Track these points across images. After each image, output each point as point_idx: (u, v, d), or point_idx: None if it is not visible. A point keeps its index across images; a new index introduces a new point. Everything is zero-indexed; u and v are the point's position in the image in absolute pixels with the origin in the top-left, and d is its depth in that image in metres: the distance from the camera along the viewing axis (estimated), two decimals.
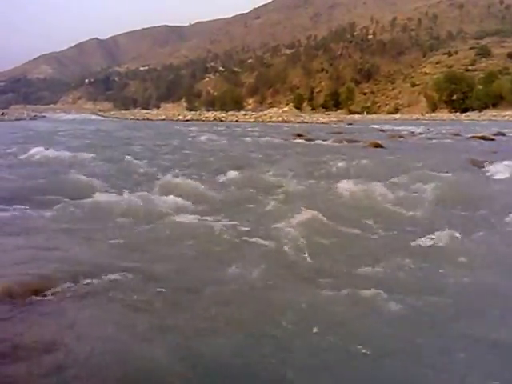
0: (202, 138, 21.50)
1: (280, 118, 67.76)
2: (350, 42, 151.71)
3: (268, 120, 65.09)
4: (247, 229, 5.24)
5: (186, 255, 4.49)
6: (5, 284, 3.47)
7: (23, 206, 6.10)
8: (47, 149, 12.53)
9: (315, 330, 2.96)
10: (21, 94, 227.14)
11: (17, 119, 49.99)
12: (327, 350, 2.78)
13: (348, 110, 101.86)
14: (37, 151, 12.06)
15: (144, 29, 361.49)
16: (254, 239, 4.86)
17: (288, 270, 4.10)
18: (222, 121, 64.43)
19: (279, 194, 7.35)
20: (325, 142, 20.35)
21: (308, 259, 4.34)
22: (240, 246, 4.71)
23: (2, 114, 56.66)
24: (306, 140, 22.14)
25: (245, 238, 4.93)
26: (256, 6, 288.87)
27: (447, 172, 9.34)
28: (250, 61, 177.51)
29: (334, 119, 66.33)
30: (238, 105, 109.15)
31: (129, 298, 3.39)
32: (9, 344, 2.71)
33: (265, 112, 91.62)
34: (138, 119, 72.67)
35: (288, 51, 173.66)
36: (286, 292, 3.59)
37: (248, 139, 22.24)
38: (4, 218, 5.56)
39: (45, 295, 3.40)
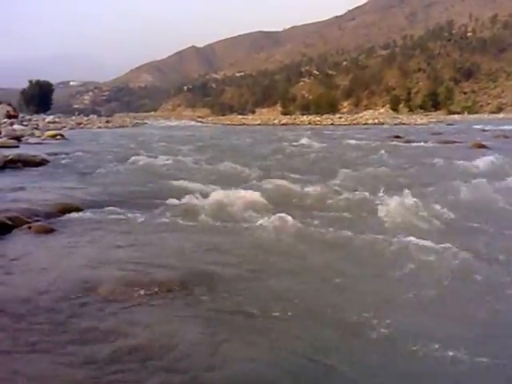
0: (300, 142, 21.82)
1: (376, 120, 66.66)
2: (449, 40, 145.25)
3: (364, 122, 64.31)
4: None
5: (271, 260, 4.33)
6: (110, 285, 3.57)
7: (129, 209, 6.26)
8: (150, 154, 13.07)
9: None
10: (124, 102, 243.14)
11: (120, 126, 52.28)
12: None
13: (447, 111, 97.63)
14: (141, 157, 12.55)
15: (239, 35, 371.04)
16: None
17: None
18: (317, 124, 64.71)
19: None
20: (424, 144, 19.92)
21: None
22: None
23: (107, 121, 60.88)
24: (405, 142, 21.86)
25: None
26: (350, 8, 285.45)
27: None
28: (344, 63, 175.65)
29: (433, 120, 64.06)
30: (332, 108, 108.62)
31: (241, 308, 3.30)
32: (116, 345, 2.72)
33: (360, 114, 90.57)
34: (234, 124, 75.16)
35: (383, 52, 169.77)
36: None
37: (345, 142, 22.45)
38: (110, 220, 5.74)
39: (150, 297, 3.41)
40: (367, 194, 6.93)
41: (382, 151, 14.23)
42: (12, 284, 3.68)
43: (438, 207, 5.99)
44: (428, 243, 4.49)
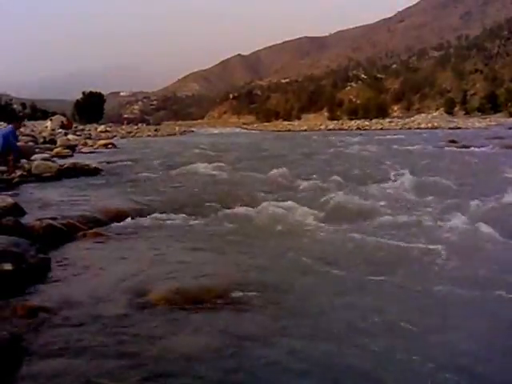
0: (349, 147, 21.68)
1: (429, 124, 65.25)
2: (508, 39, 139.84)
3: (416, 127, 63.03)
4: None
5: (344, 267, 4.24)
6: (163, 292, 3.60)
7: (179, 216, 6.34)
8: (198, 162, 13.15)
9: None
10: (171, 110, 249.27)
11: (168, 134, 53.85)
12: None
13: (508, 113, 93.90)
14: (189, 165, 12.70)
15: (285, 42, 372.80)
16: None
17: None
18: (365, 129, 63.90)
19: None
20: (483, 149, 19.16)
21: None
22: None
23: (156, 130, 62.52)
24: (461, 147, 20.99)
25: None
26: (400, 10, 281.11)
27: None
28: (394, 66, 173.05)
29: (492, 123, 61.66)
30: (382, 112, 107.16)
31: (291, 316, 3.31)
32: (171, 354, 2.75)
33: (412, 118, 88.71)
34: (280, 131, 75.34)
35: (436, 53, 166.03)
36: None
37: (396, 147, 22.01)
38: (161, 227, 5.84)
39: (200, 304, 3.44)
40: (423, 209, 6.65)
41: (437, 157, 13.83)
42: (69, 289, 3.77)
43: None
44: None
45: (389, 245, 4.90)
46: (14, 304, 3.32)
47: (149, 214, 6.45)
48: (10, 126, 11.57)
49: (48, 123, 38.16)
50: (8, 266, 3.65)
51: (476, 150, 19.22)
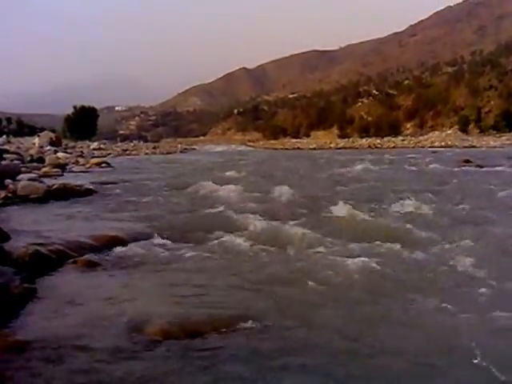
0: (359, 167, 21.74)
1: (443, 143, 65.59)
2: None
3: (429, 145, 63.37)
4: None
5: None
6: (163, 324, 3.60)
7: (177, 242, 6.38)
8: (198, 182, 13.12)
9: None
10: (171, 126, 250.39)
11: (168, 152, 54.10)
12: None
13: None
14: (189, 186, 12.79)
15: (292, 55, 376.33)
16: None
17: None
18: (377, 147, 64.29)
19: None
20: (499, 169, 19.34)
21: None
22: None
23: (154, 147, 62.87)
24: (477, 166, 21.31)
25: None
26: (412, 23, 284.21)
27: None
28: (406, 82, 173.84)
29: (508, 142, 61.96)
30: (394, 130, 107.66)
31: (297, 348, 3.32)
32: None
33: (425, 136, 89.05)
34: (287, 149, 75.79)
35: (449, 69, 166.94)
36: None
37: (410, 167, 22.11)
38: (157, 254, 5.84)
39: (199, 337, 3.45)
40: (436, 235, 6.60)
41: (451, 178, 13.82)
42: (57, 322, 3.74)
43: None
44: None
45: (416, 269, 4.97)
46: None
47: (144, 240, 6.44)
48: None
49: (36, 140, 38.25)
50: None
51: (491, 170, 19.39)
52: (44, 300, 4.19)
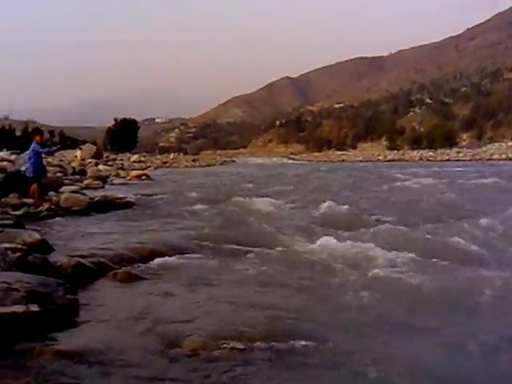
0: (411, 182, 21.49)
1: (504, 156, 63.78)
2: None
3: (488, 158, 61.86)
4: None
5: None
6: (199, 339, 3.70)
7: (216, 255, 6.58)
8: (238, 195, 13.38)
9: None
10: (211, 138, 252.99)
11: (207, 165, 55.70)
12: None
13: None
14: (229, 199, 12.99)
15: (338, 63, 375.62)
16: None
17: None
18: (429, 160, 63.25)
19: None
20: None
21: None
22: None
23: (194, 160, 63.93)
24: None
25: None
26: (469, 27, 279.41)
27: None
28: (463, 89, 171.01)
29: None
30: (449, 141, 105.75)
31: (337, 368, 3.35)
32: None
33: (483, 148, 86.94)
34: (332, 161, 75.54)
35: (511, 75, 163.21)
36: None
37: (466, 182, 21.58)
38: (196, 267, 6.00)
39: (238, 353, 3.50)
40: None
41: None
42: (98, 334, 3.92)
43: None
44: None
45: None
46: (40, 347, 3.49)
47: (183, 253, 6.64)
48: (34, 144, 11.38)
49: (78, 152, 39.66)
50: (34, 308, 3.82)
51: None
52: (86, 311, 4.39)
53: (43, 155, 12.05)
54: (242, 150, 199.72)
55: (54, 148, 14.05)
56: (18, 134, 55.93)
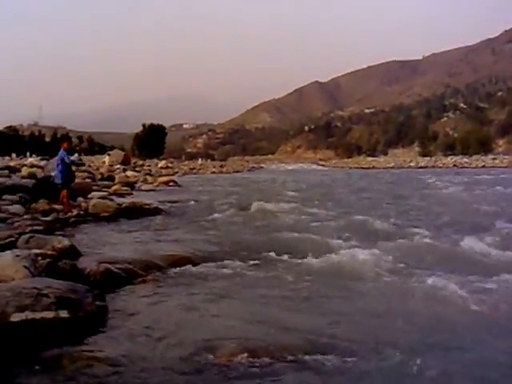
0: (446, 190, 21.21)
1: None
2: None
3: None
4: None
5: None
6: (232, 349, 3.70)
7: (244, 263, 6.57)
8: (265, 203, 13.57)
9: None
10: (239, 144, 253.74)
11: (235, 171, 56.04)
12: None
13: None
14: (256, 206, 13.09)
15: (369, 67, 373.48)
16: None
17: None
18: (463, 167, 62.28)
19: None
20: None
21: None
22: None
23: (221, 166, 64.24)
24: None
25: None
26: (507, 29, 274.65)
27: None
28: (500, 94, 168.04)
29: None
30: (484, 147, 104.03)
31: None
32: None
33: None
34: (362, 167, 74.96)
35: None
36: None
37: (504, 190, 21.17)
38: (224, 275, 6.01)
39: (271, 363, 3.51)
40: None
41: None
42: (127, 341, 3.96)
43: None
44: None
45: None
46: (70, 353, 3.54)
47: (211, 260, 6.68)
48: (62, 150, 11.94)
49: (106, 158, 40.33)
50: (64, 314, 3.89)
51: None
52: (114, 318, 4.44)
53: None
54: (270, 156, 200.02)
55: (77, 161, 14.25)
56: (47, 139, 57.14)
